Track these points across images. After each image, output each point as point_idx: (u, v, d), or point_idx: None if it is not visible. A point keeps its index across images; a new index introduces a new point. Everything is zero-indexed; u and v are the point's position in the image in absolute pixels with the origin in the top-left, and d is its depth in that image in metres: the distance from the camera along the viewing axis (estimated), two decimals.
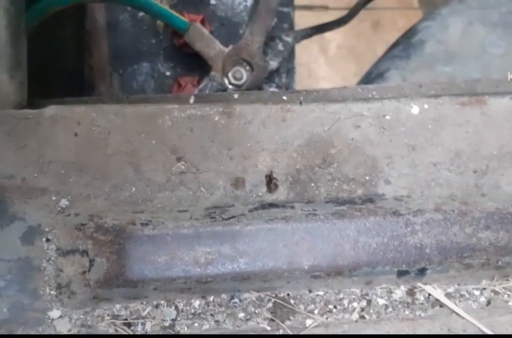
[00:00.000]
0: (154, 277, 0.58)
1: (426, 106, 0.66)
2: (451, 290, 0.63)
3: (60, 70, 1.12)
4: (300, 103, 0.66)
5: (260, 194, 0.64)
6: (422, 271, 0.61)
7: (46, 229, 0.60)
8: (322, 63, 3.01)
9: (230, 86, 1.05)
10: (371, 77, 1.14)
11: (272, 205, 0.63)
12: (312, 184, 0.64)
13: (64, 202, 0.61)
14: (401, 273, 0.61)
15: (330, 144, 0.65)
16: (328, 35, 3.05)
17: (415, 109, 0.66)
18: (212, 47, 1.06)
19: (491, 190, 0.64)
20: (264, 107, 0.66)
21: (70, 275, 0.59)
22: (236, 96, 0.76)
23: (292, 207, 0.62)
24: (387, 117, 0.66)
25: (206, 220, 0.60)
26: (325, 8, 2.64)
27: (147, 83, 1.17)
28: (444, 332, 0.61)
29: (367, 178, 0.65)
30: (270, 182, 0.64)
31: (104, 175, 0.62)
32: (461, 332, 0.61)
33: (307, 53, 2.86)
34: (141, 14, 1.16)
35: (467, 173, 0.65)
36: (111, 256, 0.58)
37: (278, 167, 0.64)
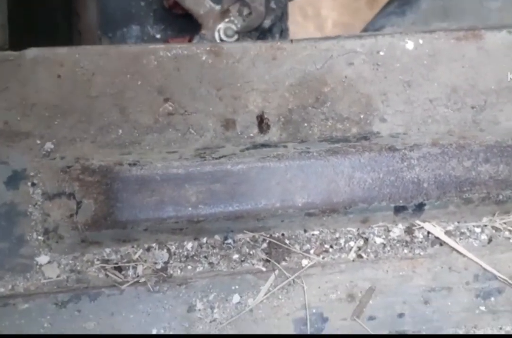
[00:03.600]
0: (144, 217, 0.56)
1: (421, 41, 0.64)
2: (451, 227, 0.61)
3: (48, 34, 1.10)
4: (291, 41, 0.64)
5: (251, 135, 0.62)
6: (420, 207, 0.59)
7: (31, 173, 0.58)
8: None
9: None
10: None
11: (264, 145, 0.61)
12: (305, 124, 0.62)
13: (49, 146, 0.59)
14: (398, 210, 0.59)
15: (323, 83, 0.63)
16: (324, 12, 3.01)
17: (409, 45, 0.64)
18: (202, 4, 1.03)
19: (489, 125, 0.62)
20: (253, 45, 0.63)
21: (57, 219, 0.57)
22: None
23: (285, 146, 0.60)
24: (381, 53, 0.64)
25: (196, 159, 0.58)
26: None
27: None
28: (445, 270, 0.59)
29: (362, 116, 0.63)
30: (262, 122, 0.62)
31: (90, 118, 0.60)
32: (463, 270, 0.59)
33: (303, 31, 2.82)
34: None
35: (464, 109, 0.63)
36: (98, 197, 0.57)
37: (270, 108, 0.62)
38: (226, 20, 1.01)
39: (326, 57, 0.63)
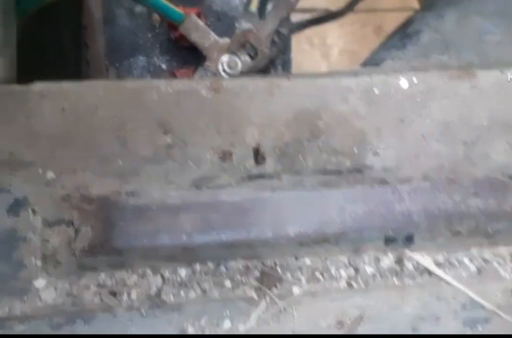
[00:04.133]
0: (139, 245, 0.58)
1: (415, 80, 0.66)
2: (440, 258, 0.62)
3: (57, 64, 1.13)
4: (288, 77, 0.66)
5: (247, 166, 0.63)
6: (409, 239, 0.60)
7: (32, 201, 0.60)
8: (325, 68, 3.02)
9: (224, 75, 1.05)
10: (366, 68, 1.14)
11: (259, 176, 0.62)
12: (300, 157, 0.64)
13: (50, 175, 0.61)
14: (388, 240, 0.60)
15: (318, 118, 0.65)
16: (330, 40, 3.06)
17: (404, 82, 0.66)
18: (207, 37, 1.06)
19: (480, 160, 0.64)
20: (251, 81, 0.66)
21: (55, 245, 0.59)
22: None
23: (279, 178, 0.62)
24: (376, 90, 0.66)
25: (192, 190, 0.60)
26: (327, 11, 2.65)
27: (143, 77, 1.18)
28: (433, 299, 0.60)
29: (355, 150, 0.64)
30: (258, 154, 0.64)
31: (91, 149, 0.62)
32: (451, 299, 0.60)
33: (309, 59, 2.87)
34: (137, 8, 1.17)
35: (456, 144, 0.65)
36: (96, 224, 0.58)
37: (266, 141, 0.64)
38: (230, 53, 1.04)
39: (322, 93, 0.65)
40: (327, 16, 1.21)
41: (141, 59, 1.18)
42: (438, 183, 0.60)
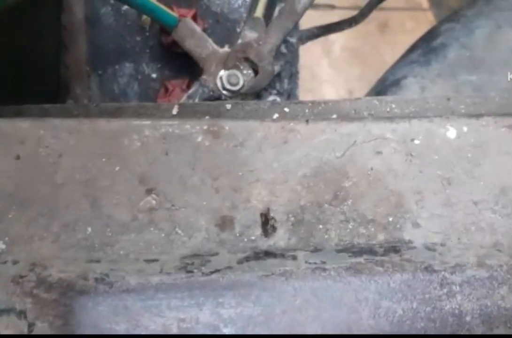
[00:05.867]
0: None
1: (465, 129, 0.53)
2: None
3: (34, 67, 0.99)
4: (307, 121, 0.53)
5: (253, 238, 0.50)
6: None
7: None
8: (325, 65, 2.88)
9: (224, 92, 0.91)
10: (386, 83, 1.00)
11: (268, 253, 0.49)
12: (320, 226, 0.50)
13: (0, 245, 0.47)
14: None
15: (344, 175, 0.51)
16: (332, 36, 2.91)
17: (451, 132, 0.53)
18: (204, 46, 0.92)
19: None
20: (260, 125, 0.52)
21: None
22: (228, 106, 0.62)
23: (294, 258, 0.48)
24: (416, 141, 0.52)
25: (180, 274, 0.46)
26: (332, 7, 2.51)
27: (130, 86, 1.03)
28: None
29: (390, 219, 0.51)
30: (267, 222, 0.50)
31: (52, 211, 0.48)
32: None
33: (309, 55, 2.72)
34: (125, 7, 1.02)
35: None
36: (55, 320, 0.45)
37: (277, 204, 0.51)
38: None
39: (349, 143, 0.52)
40: (342, 23, 1.07)
41: (128, 66, 1.03)
42: (497, 272, 0.47)
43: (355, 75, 2.80)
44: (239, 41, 0.90)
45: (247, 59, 0.85)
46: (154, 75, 1.03)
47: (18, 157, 0.49)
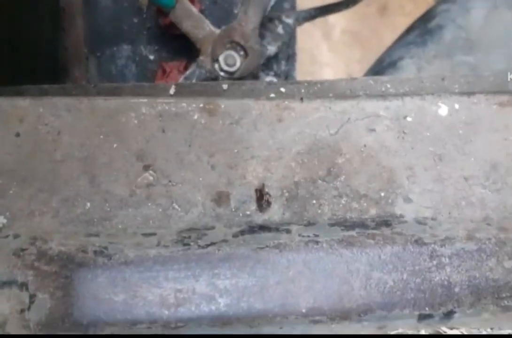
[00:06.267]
0: (109, 321, 0.45)
1: (456, 106, 0.54)
2: (483, 333, 0.51)
3: (33, 49, 0.99)
4: (301, 99, 0.53)
5: (248, 213, 0.51)
6: (448, 315, 0.49)
7: None
8: (325, 49, 2.87)
9: (221, 73, 0.91)
10: (383, 65, 1.01)
11: (262, 227, 0.50)
12: (314, 201, 0.52)
13: (1, 220, 0.49)
14: (423, 317, 0.49)
15: (337, 152, 0.52)
16: (331, 19, 2.90)
17: (443, 110, 0.53)
18: (201, 27, 0.92)
19: None
20: (255, 103, 0.53)
21: (5, 313, 0.47)
22: (225, 86, 0.63)
23: (288, 231, 0.49)
24: (409, 118, 0.53)
25: (177, 247, 0.47)
26: None
27: (127, 68, 1.03)
28: None
29: (382, 194, 0.52)
30: (262, 198, 0.52)
31: (52, 187, 0.49)
32: None
33: (309, 38, 2.71)
34: None
35: (505, 190, 0.53)
36: (55, 291, 0.46)
37: (272, 179, 0.52)
38: (228, 46, 0.90)
39: (342, 120, 0.53)
40: (340, 3, 1.07)
41: (126, 48, 1.03)
42: (486, 245, 0.48)
43: (355, 58, 2.79)
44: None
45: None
46: (151, 57, 1.03)
47: (18, 135, 0.50)
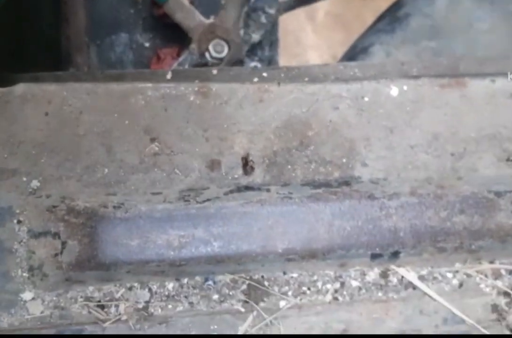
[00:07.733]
0: (127, 260, 0.58)
1: (405, 88, 0.65)
2: (424, 272, 0.63)
3: (36, 39, 1.09)
4: (278, 83, 0.65)
5: (236, 176, 0.63)
6: (395, 254, 0.61)
7: (17, 211, 0.59)
8: (310, 31, 2.95)
9: (210, 59, 1.02)
10: (356, 51, 1.12)
11: (247, 187, 0.62)
12: (289, 167, 0.63)
13: (35, 183, 0.60)
14: (374, 256, 0.61)
15: (308, 126, 0.64)
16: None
17: (394, 91, 0.65)
18: (192, 18, 1.03)
19: (468, 173, 0.64)
20: (241, 87, 0.64)
21: (42, 257, 0.59)
22: (215, 72, 0.74)
23: (268, 190, 0.61)
24: (366, 98, 0.65)
25: (180, 203, 0.59)
26: None
27: (125, 55, 1.14)
28: (416, 313, 0.61)
29: (344, 160, 0.64)
30: (246, 164, 0.63)
31: (76, 156, 0.61)
32: (433, 314, 0.62)
33: (294, 21, 2.80)
34: None
35: (444, 156, 0.65)
36: (83, 239, 0.58)
37: (255, 149, 0.63)
38: (217, 34, 1.01)
39: (312, 101, 0.64)
40: None
41: (123, 36, 1.13)
42: (425, 199, 0.61)
43: (339, 40, 2.88)
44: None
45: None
46: (147, 44, 1.14)
47: (46, 114, 0.61)
